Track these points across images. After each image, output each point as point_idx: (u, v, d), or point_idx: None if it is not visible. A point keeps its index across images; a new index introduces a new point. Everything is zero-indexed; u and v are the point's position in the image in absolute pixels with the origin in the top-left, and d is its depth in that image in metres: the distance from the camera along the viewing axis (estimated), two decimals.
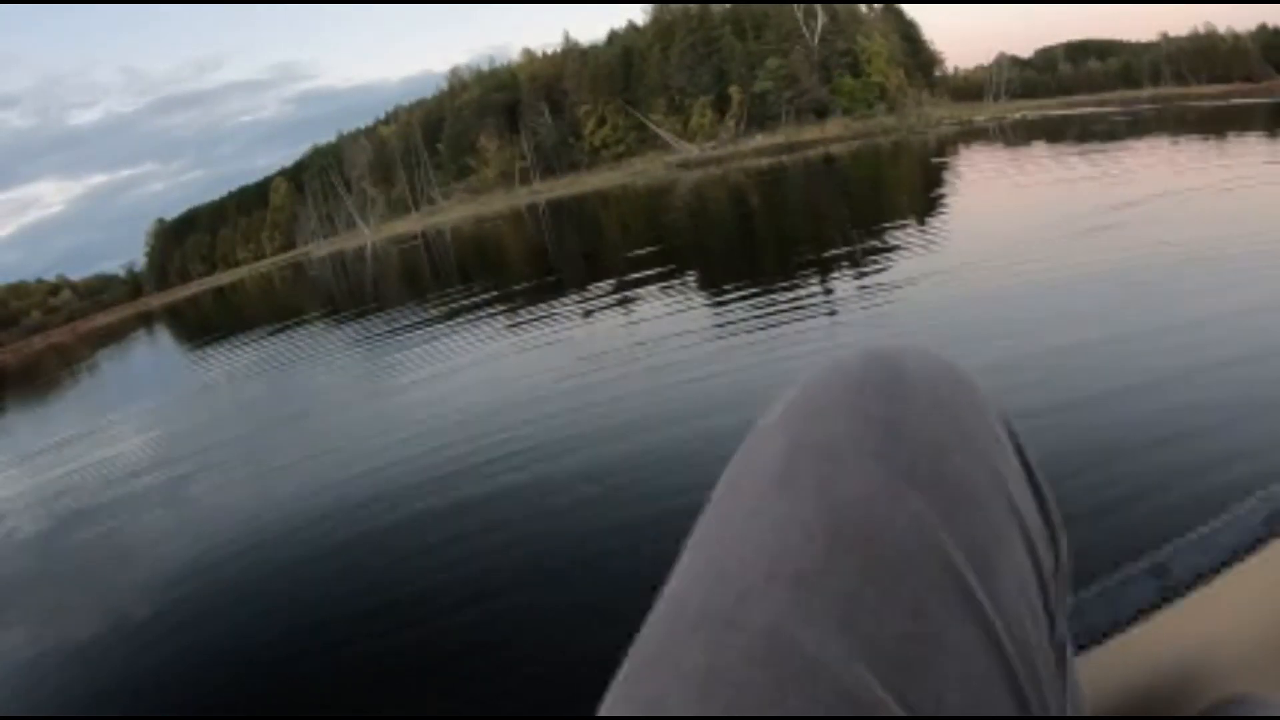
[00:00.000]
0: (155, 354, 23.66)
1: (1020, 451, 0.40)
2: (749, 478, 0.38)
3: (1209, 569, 0.67)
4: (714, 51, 45.18)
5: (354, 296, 20.85)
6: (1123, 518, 2.62)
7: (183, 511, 5.56)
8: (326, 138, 66.24)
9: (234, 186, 73.53)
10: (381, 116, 63.17)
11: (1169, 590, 0.66)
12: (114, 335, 35.64)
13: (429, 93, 60.55)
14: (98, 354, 27.57)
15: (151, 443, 8.20)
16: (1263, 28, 43.30)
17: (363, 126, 63.48)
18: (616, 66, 48.43)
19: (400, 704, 2.64)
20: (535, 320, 9.12)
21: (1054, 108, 35.69)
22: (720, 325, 6.83)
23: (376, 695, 2.76)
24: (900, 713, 0.30)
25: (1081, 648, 0.63)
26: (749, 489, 0.37)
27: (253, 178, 72.14)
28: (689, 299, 8.31)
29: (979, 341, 4.95)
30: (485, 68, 57.01)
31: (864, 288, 7.02)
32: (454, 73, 59.28)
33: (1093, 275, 6.01)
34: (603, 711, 0.33)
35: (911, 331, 5.49)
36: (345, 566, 3.90)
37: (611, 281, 10.39)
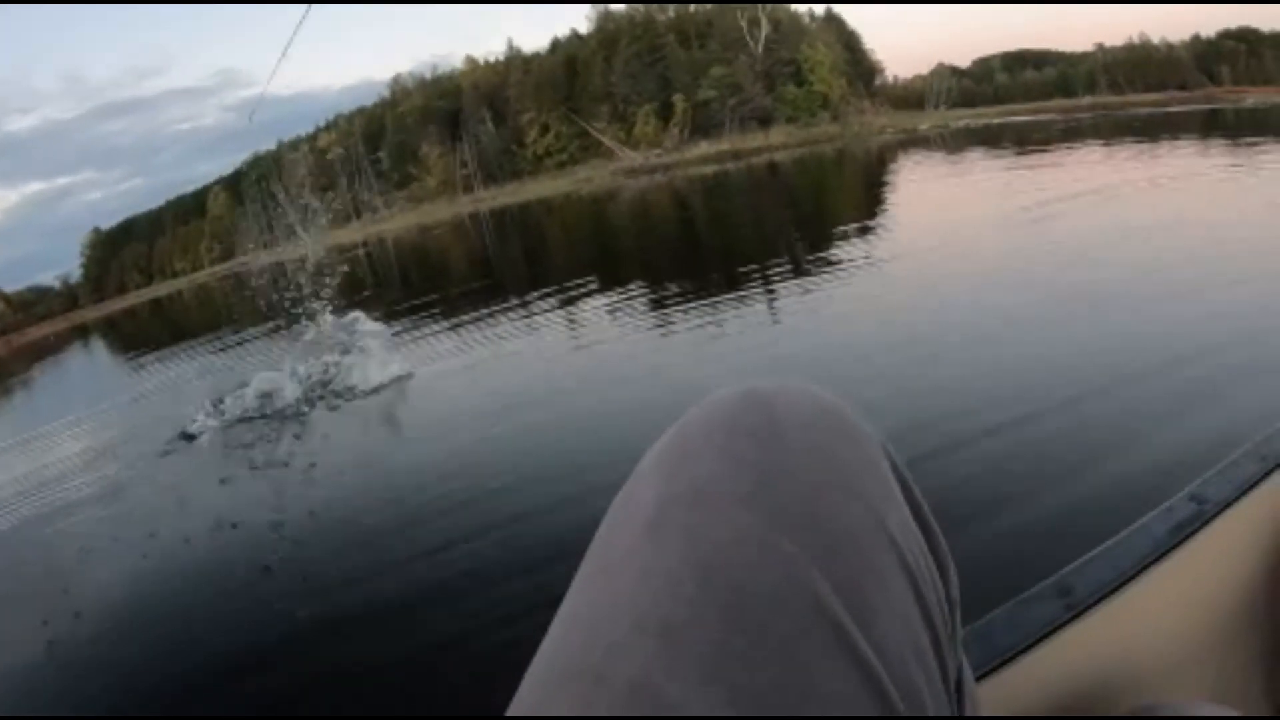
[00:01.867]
0: (91, 368, 23.04)
1: (905, 485, 0.40)
2: (622, 525, 0.37)
3: (1114, 584, 0.69)
4: (658, 60, 45.04)
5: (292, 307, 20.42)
6: (1026, 539, 2.60)
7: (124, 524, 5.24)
8: (267, 145, 64.91)
9: (172, 195, 71.77)
10: (322, 125, 62.03)
11: (1074, 607, 0.67)
12: (50, 349, 34.70)
13: (370, 101, 59.55)
14: (33, 369, 26.78)
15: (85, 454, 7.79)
16: (1196, 38, 44.30)
17: (303, 134, 62.28)
18: (560, 74, 48.08)
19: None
20: (470, 324, 9.12)
21: (994, 116, 36.21)
22: (650, 328, 6.88)
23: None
24: None
25: (989, 671, 0.63)
26: (621, 537, 0.37)
27: (192, 185, 70.32)
28: (622, 304, 8.25)
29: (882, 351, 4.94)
30: (428, 75, 56.20)
31: (796, 292, 7.06)
32: (396, 80, 58.25)
33: (1017, 271, 6.19)
34: None
35: (829, 341, 5.52)
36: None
37: (550, 288, 10.32)
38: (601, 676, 0.31)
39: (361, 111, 59.94)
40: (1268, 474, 0.81)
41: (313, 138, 61.49)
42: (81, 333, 38.97)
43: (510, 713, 0.33)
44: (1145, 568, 0.70)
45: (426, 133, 51.56)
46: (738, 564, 0.33)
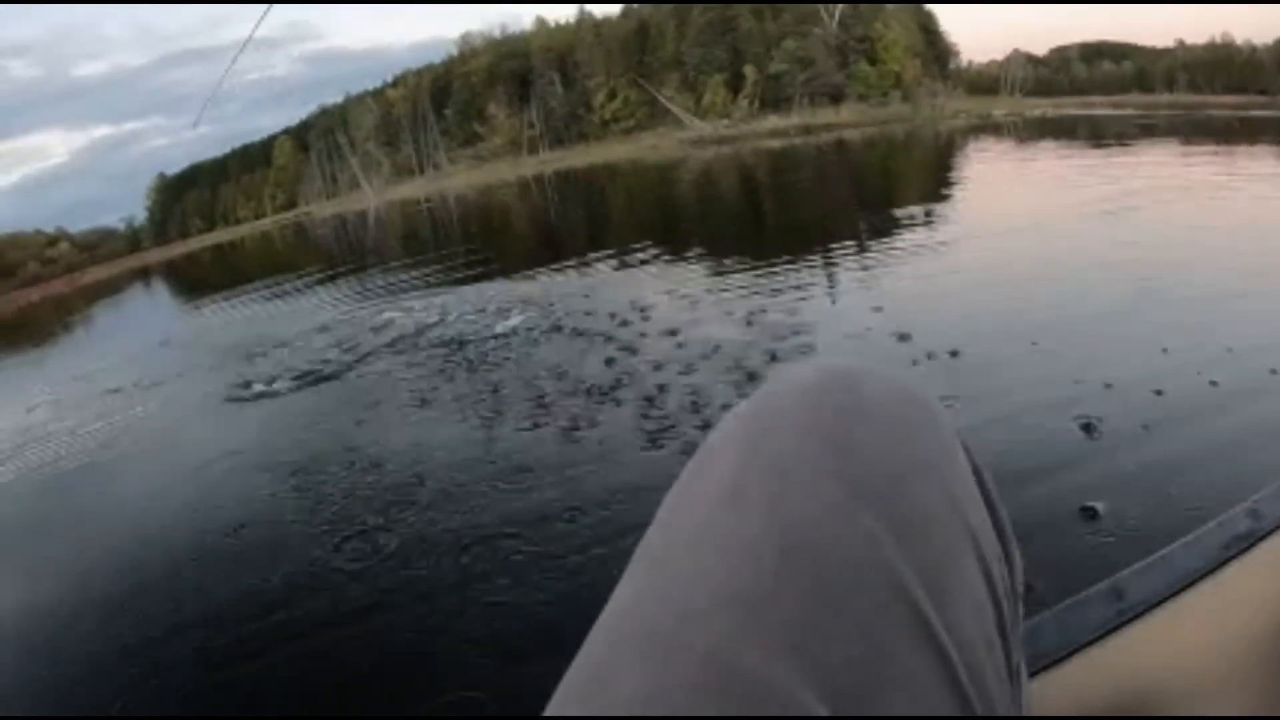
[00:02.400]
0: (151, 308, 23.53)
1: (977, 474, 0.40)
2: (696, 494, 0.37)
3: (1166, 593, 0.69)
4: (730, 30, 44.55)
5: (354, 256, 20.70)
6: (1082, 539, 2.58)
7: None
8: (333, 99, 65.45)
9: (238, 144, 72.79)
10: (389, 80, 62.38)
11: (1125, 613, 0.68)
12: (111, 288, 35.48)
13: (438, 58, 59.73)
14: (94, 307, 27.42)
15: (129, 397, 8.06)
16: None
17: (370, 89, 62.72)
18: (630, 40, 47.80)
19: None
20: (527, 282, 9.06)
21: (1070, 107, 35.38)
22: (706, 296, 6.83)
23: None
24: None
25: (1037, 670, 0.64)
26: (696, 506, 0.36)
27: (258, 136, 71.19)
28: (684, 271, 8.25)
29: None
30: (497, 35, 56.24)
31: (853, 268, 7.02)
32: (465, 39, 58.44)
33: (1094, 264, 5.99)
34: None
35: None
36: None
37: (610, 250, 10.29)
38: (677, 645, 0.30)
39: (429, 68, 60.17)
40: None
41: (380, 92, 61.93)
42: (143, 275, 39.80)
43: (566, 685, 0.33)
44: (1198, 579, 0.70)
45: (493, 92, 51.64)
46: (820, 538, 0.33)
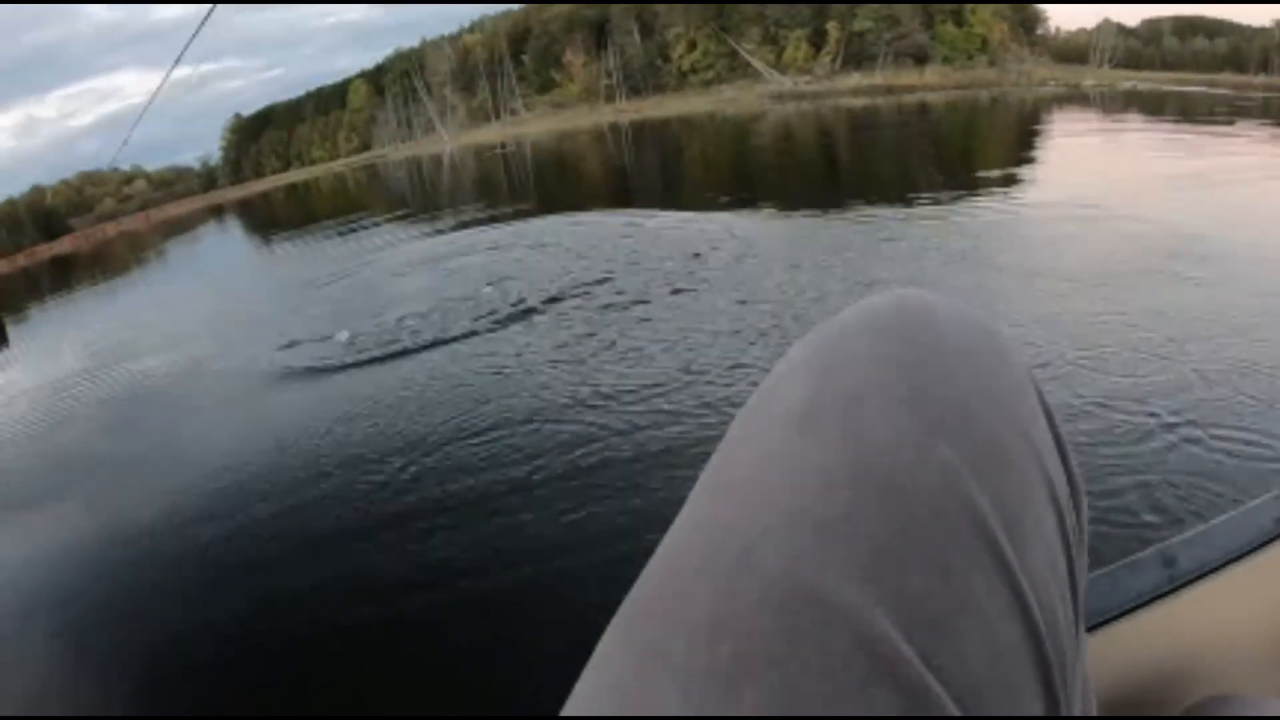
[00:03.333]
0: (224, 244, 24.14)
1: (1048, 414, 0.39)
2: (766, 420, 0.36)
3: (1215, 563, 0.69)
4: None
5: (427, 200, 21.16)
6: (1134, 502, 2.59)
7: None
8: (410, 43, 65.85)
9: (314, 86, 73.81)
10: (466, 25, 62.46)
11: (1176, 580, 0.68)
12: (186, 225, 36.33)
13: (517, 4, 59.62)
14: (168, 243, 28.18)
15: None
16: None
17: (447, 34, 62.89)
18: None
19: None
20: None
21: (1162, 82, 34.18)
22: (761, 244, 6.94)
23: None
24: (922, 670, 0.28)
25: (1087, 628, 0.60)
26: (766, 432, 0.36)
27: (333, 79, 72.06)
28: (741, 221, 8.21)
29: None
30: None
31: (925, 232, 6.83)
32: None
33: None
34: (595, 659, 0.32)
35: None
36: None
37: (686, 203, 10.23)
38: (748, 567, 0.30)
39: (507, 14, 60.02)
40: None
41: (456, 37, 62.09)
42: (217, 212, 40.68)
43: (630, 605, 0.33)
44: (1248, 552, 0.70)
45: (571, 40, 51.46)
46: (895, 465, 0.32)
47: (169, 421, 5.60)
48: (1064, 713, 0.32)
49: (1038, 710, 0.31)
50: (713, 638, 0.28)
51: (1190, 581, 0.68)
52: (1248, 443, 2.93)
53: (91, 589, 3.39)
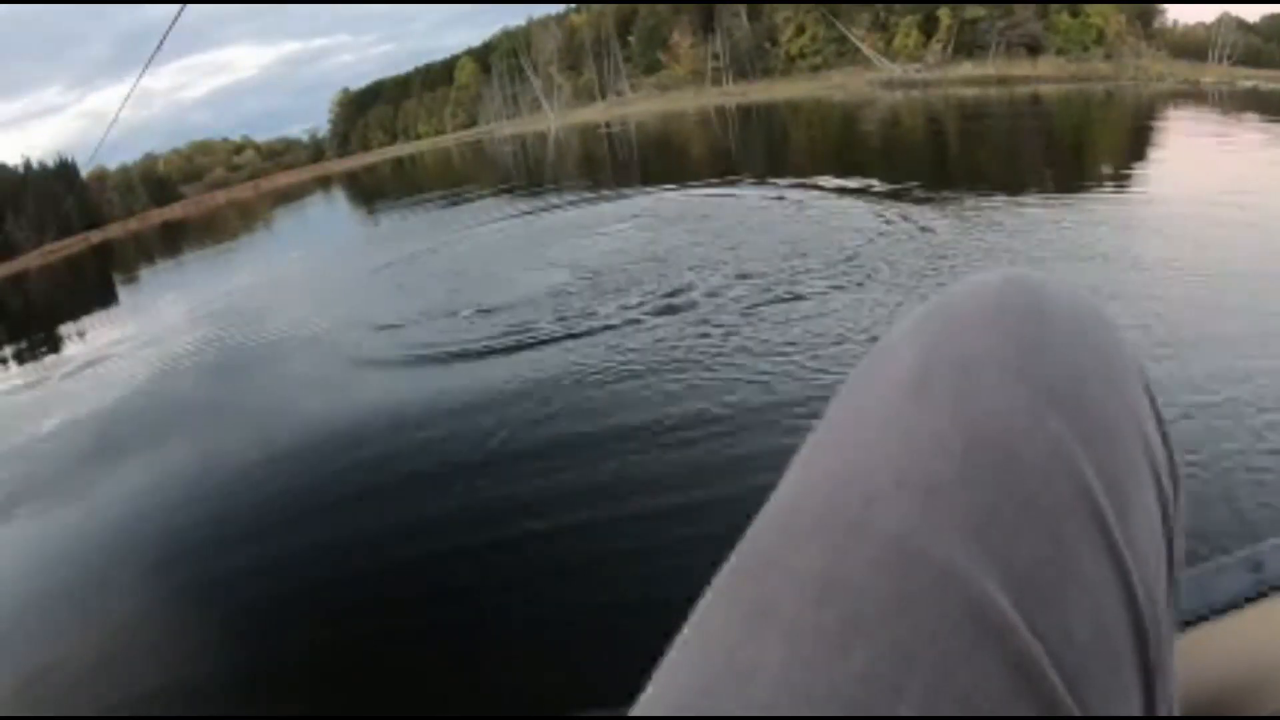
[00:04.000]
0: (329, 213, 25.01)
1: (1151, 397, 0.39)
2: (876, 387, 0.37)
3: None
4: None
5: (531, 176, 21.56)
6: (1222, 507, 2.52)
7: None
8: (516, 21, 66.80)
9: (421, 63, 75.50)
10: (574, 5, 63.12)
11: (1263, 584, 0.66)
12: (293, 195, 37.50)
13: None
14: (275, 211, 29.12)
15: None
16: None
17: (555, 12, 63.65)
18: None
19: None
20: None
21: None
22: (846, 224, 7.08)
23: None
24: (1028, 636, 0.28)
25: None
26: (876, 399, 0.36)
27: (440, 55, 73.60)
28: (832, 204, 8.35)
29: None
30: None
31: (1026, 228, 6.66)
32: None
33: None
34: (700, 612, 0.32)
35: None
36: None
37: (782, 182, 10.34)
38: (859, 527, 0.30)
39: None
40: None
41: (563, 17, 62.76)
42: (324, 183, 41.75)
43: (738, 560, 0.33)
44: None
45: (679, 21, 51.70)
46: (1006, 434, 0.32)
47: (268, 384, 5.89)
48: (1159, 696, 0.32)
49: (1134, 688, 0.31)
50: (823, 596, 0.29)
51: (1277, 588, 0.66)
52: None
53: (195, 524, 3.65)
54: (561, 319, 5.47)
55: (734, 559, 0.33)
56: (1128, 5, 41.18)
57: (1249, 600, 0.65)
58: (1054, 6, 40.24)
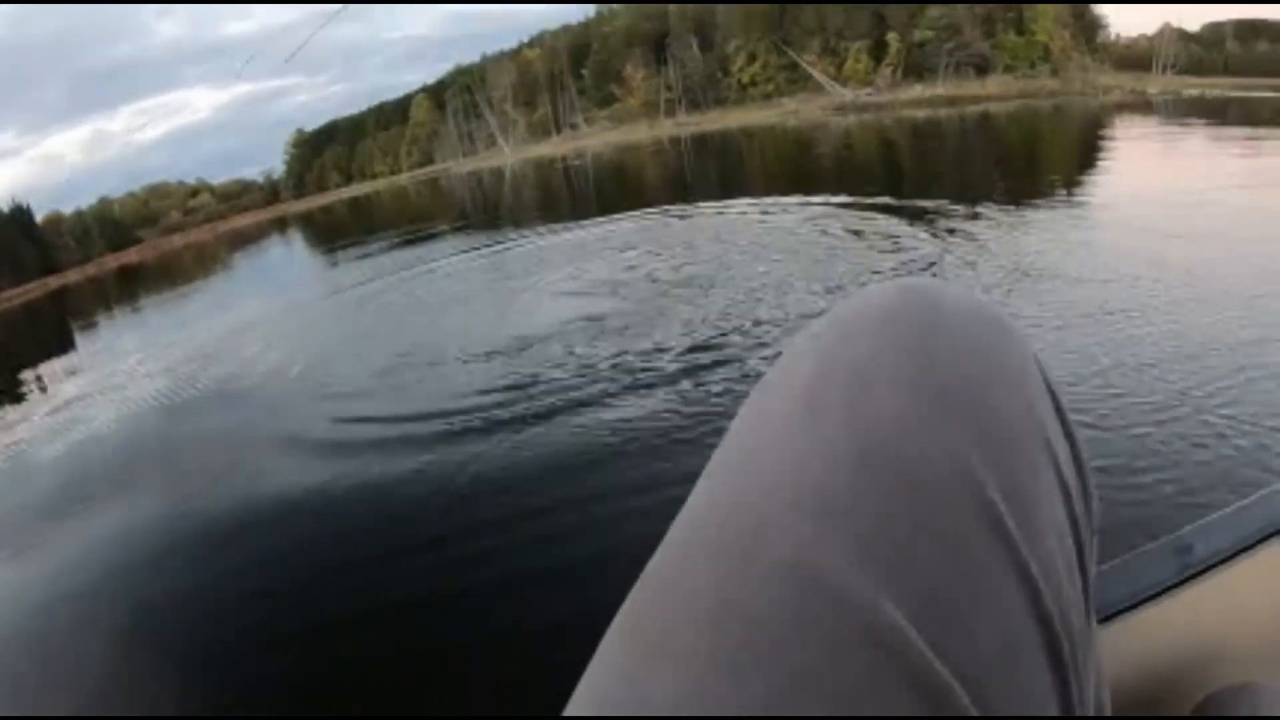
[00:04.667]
0: (287, 256, 24.70)
1: (1055, 399, 0.38)
2: (772, 404, 0.36)
3: (1230, 550, 0.68)
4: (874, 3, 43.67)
5: (486, 212, 21.52)
6: (1150, 493, 2.58)
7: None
8: (470, 58, 67.07)
9: (375, 101, 75.62)
10: (526, 40, 63.45)
11: (1190, 568, 0.67)
12: (250, 238, 37.19)
13: (576, 19, 60.46)
14: (233, 255, 28.93)
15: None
16: None
17: (507, 48, 63.97)
18: (771, 4, 47.33)
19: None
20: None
21: (1229, 88, 33.50)
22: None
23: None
24: (929, 655, 0.28)
25: (1100, 620, 0.63)
26: (772, 414, 0.35)
27: (395, 94, 73.73)
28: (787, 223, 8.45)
29: None
30: None
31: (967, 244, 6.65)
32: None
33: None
34: (605, 642, 0.31)
35: None
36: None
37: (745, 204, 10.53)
38: (754, 551, 0.30)
39: (566, 29, 60.92)
40: None
41: (517, 52, 63.00)
42: (281, 225, 41.51)
43: (639, 591, 0.32)
44: (1264, 539, 0.69)
45: (631, 54, 52.04)
46: (900, 447, 0.31)
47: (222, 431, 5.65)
48: (1075, 699, 0.32)
49: (1049, 696, 0.31)
50: (719, 624, 0.28)
51: (1205, 570, 0.67)
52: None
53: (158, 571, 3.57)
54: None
55: (637, 587, 0.33)
56: (1071, 22, 41.96)
57: (1176, 585, 0.66)
58: (1000, 25, 40.90)
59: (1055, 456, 0.35)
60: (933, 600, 0.29)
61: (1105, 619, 0.64)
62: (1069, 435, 0.38)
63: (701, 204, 11.50)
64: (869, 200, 9.02)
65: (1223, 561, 0.67)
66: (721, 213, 10.16)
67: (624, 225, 10.55)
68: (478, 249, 11.70)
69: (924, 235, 6.86)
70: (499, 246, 11.38)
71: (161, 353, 9.67)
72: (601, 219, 11.50)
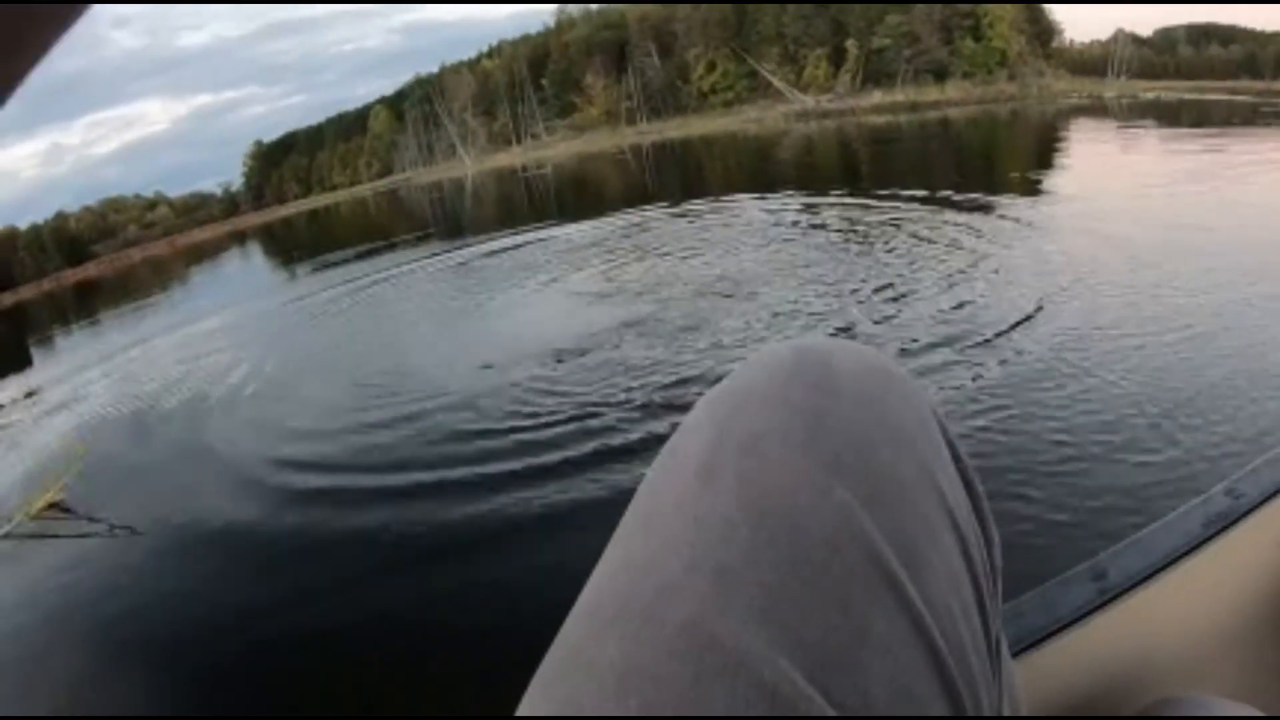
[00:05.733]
0: (246, 270, 24.40)
1: (953, 448, 0.39)
2: (672, 473, 0.37)
3: (1146, 572, 0.70)
4: (833, 3, 43.89)
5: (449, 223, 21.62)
6: (1066, 521, 2.67)
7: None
8: (429, 68, 66.54)
9: (335, 112, 74.86)
10: (485, 50, 63.06)
11: (1107, 592, 0.68)
12: (208, 251, 36.65)
13: (535, 28, 60.27)
14: (191, 269, 28.49)
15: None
16: None
17: (467, 58, 63.56)
18: (730, 12, 47.32)
19: None
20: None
21: (1184, 91, 34.04)
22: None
23: None
24: (825, 707, 0.28)
25: (1022, 649, 0.65)
26: (671, 483, 0.36)
27: (354, 105, 73.06)
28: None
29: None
30: (594, 6, 56.33)
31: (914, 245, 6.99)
32: (562, 9, 58.78)
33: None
34: (520, 713, 0.32)
35: None
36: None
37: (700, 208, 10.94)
38: (653, 616, 0.30)
39: (526, 39, 60.64)
40: None
41: (476, 62, 62.66)
42: (240, 238, 40.99)
43: (550, 658, 0.33)
44: (1178, 559, 0.71)
45: (591, 62, 51.87)
46: (792, 509, 0.33)
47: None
48: None
49: None
50: (622, 688, 0.29)
51: (1122, 593, 0.68)
52: None
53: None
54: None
55: (550, 652, 0.33)
56: (1026, 27, 42.44)
57: (1094, 609, 0.68)
58: (957, 32, 41.26)
59: (948, 503, 0.37)
60: (824, 654, 0.30)
61: (1027, 647, 0.65)
62: (967, 480, 0.39)
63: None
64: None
65: (1137, 584, 0.69)
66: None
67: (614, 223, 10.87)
68: (438, 255, 11.80)
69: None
70: (461, 254, 11.46)
71: (117, 368, 9.64)
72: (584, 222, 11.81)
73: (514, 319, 6.97)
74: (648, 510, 0.36)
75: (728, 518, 0.33)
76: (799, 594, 0.31)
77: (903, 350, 4.39)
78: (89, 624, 3.36)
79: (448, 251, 11.89)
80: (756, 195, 11.03)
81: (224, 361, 7.96)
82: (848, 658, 0.30)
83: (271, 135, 78.61)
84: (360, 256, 15.10)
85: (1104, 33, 48.31)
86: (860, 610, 0.31)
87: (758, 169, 19.88)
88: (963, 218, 7.28)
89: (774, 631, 0.30)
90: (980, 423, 3.46)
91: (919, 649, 0.32)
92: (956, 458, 0.39)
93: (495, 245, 11.43)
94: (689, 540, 0.33)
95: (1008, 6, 41.67)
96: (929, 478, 0.36)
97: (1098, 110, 27.27)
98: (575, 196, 22.45)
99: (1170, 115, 22.46)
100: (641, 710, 0.28)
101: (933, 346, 4.42)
